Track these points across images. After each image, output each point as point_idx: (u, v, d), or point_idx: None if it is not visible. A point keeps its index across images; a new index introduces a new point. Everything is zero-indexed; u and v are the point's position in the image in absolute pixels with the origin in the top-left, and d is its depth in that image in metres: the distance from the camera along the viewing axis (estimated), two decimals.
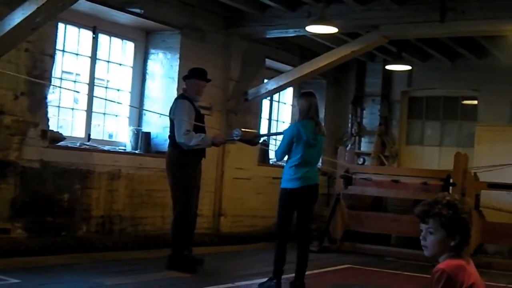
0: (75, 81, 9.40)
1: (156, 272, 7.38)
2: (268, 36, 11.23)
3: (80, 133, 9.35)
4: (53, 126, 8.59)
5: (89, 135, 9.37)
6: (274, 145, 11.88)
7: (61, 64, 9.01)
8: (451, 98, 13.59)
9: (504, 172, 10.67)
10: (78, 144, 8.96)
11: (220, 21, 10.74)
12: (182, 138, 7.50)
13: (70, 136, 9.02)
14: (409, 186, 10.69)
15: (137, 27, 10.01)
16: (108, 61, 9.84)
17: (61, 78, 9.05)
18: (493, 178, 10.40)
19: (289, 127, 7.56)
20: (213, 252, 9.28)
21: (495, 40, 11.31)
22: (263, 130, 12.57)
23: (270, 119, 13.06)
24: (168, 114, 7.99)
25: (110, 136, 10.07)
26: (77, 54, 9.33)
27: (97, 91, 9.60)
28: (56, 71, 8.77)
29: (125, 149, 9.86)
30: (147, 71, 10.25)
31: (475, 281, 2.96)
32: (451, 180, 10.11)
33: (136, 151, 9.78)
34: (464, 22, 9.30)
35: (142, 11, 9.32)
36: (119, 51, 10.06)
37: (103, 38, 9.71)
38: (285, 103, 13.57)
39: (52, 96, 8.66)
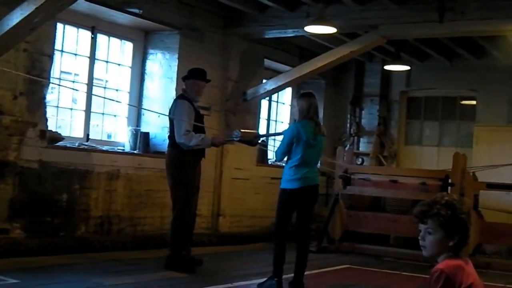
0: (73, 81, 9.40)
1: (155, 272, 7.38)
2: (267, 36, 11.24)
3: (79, 133, 9.35)
4: (51, 126, 8.58)
5: (88, 135, 9.37)
6: (273, 145, 11.89)
7: (60, 64, 9.01)
8: (450, 98, 13.60)
9: (502, 172, 10.69)
10: (76, 144, 8.96)
11: (219, 21, 10.75)
12: (181, 138, 7.50)
13: (69, 136, 9.01)
14: (408, 186, 10.69)
15: (136, 27, 10.01)
16: (107, 61, 9.84)
17: (59, 78, 9.04)
18: (492, 178, 10.41)
19: (289, 127, 7.56)
20: (211, 252, 9.28)
21: (493, 40, 11.32)
22: (262, 130, 12.58)
23: (268, 119, 13.07)
24: (167, 114, 7.99)
25: (109, 136, 10.06)
26: (75, 54, 9.33)
27: (96, 91, 9.60)
28: (55, 71, 8.76)
29: (123, 149, 9.86)
30: (146, 71, 10.25)
31: (473, 281, 2.96)
32: (449, 180, 10.11)
33: (135, 151, 9.78)
34: (462, 22, 9.30)
35: (141, 11, 9.32)
36: (117, 51, 10.06)
37: (101, 38, 9.71)
38: (283, 103, 13.59)
39: (50, 96, 8.66)
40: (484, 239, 10.14)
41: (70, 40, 9.20)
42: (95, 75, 9.57)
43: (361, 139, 13.97)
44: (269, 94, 11.61)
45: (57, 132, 8.71)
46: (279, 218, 7.14)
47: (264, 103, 12.77)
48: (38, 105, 8.08)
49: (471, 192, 9.98)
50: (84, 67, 9.40)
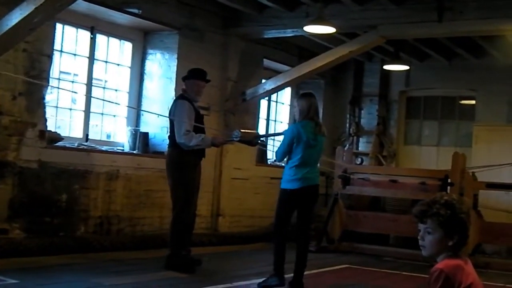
0: (73, 82, 9.40)
1: (155, 272, 7.38)
2: (266, 36, 11.24)
3: (78, 133, 9.35)
4: (51, 126, 8.58)
5: (87, 135, 9.37)
6: (272, 145, 11.90)
7: (59, 64, 9.01)
8: (449, 98, 13.60)
9: (502, 172, 10.69)
10: (76, 145, 8.96)
11: (218, 21, 10.75)
12: (182, 139, 7.51)
13: (68, 137, 9.01)
14: (407, 186, 10.69)
15: (135, 27, 10.01)
16: (106, 61, 9.84)
17: (59, 79, 9.04)
18: (491, 178, 10.41)
19: (289, 127, 7.57)
20: (211, 252, 9.27)
21: (492, 40, 11.32)
22: (261, 130, 12.58)
23: (268, 119, 13.07)
24: (166, 114, 7.99)
25: (108, 136, 10.06)
26: (75, 55, 9.33)
27: (95, 92, 9.60)
28: (54, 72, 8.76)
29: (123, 150, 9.85)
30: (145, 71, 10.25)
31: (473, 281, 2.96)
32: (449, 180, 10.11)
33: (134, 151, 9.78)
34: (461, 22, 9.31)
35: (140, 11, 9.32)
36: (117, 51, 10.06)
37: (101, 38, 9.71)
38: (283, 103, 13.59)
39: (50, 97, 8.66)
40: (484, 239, 10.14)
41: (69, 40, 9.19)
42: (94, 75, 9.56)
43: (361, 139, 13.98)
44: (268, 94, 11.61)
45: (56, 132, 8.71)
46: (278, 218, 7.16)
47: (263, 103, 12.77)
48: (37, 105, 8.08)
49: (470, 192, 9.98)
50: (83, 67, 9.39)
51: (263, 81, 11.63)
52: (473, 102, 13.19)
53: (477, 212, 10.12)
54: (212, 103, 10.45)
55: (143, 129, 10.05)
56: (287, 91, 13.43)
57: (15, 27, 6.81)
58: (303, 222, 7.18)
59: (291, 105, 13.43)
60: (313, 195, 7.20)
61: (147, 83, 10.22)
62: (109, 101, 9.64)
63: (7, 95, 7.72)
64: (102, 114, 9.84)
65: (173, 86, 9.94)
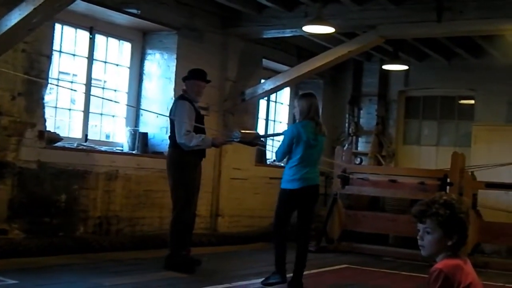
0: (72, 82, 9.40)
1: (154, 272, 7.38)
2: (265, 36, 11.24)
3: (77, 133, 9.35)
4: (50, 126, 8.57)
5: (86, 135, 9.37)
6: (272, 145, 11.89)
7: (58, 64, 9.01)
8: (448, 98, 13.60)
9: (501, 172, 10.69)
10: (75, 145, 8.95)
11: (217, 21, 10.75)
12: (182, 139, 7.51)
13: (67, 137, 9.01)
14: (406, 185, 10.69)
15: (134, 27, 10.01)
16: (105, 62, 9.84)
17: (58, 79, 9.04)
18: (490, 178, 10.41)
19: (289, 128, 7.58)
20: (210, 253, 9.27)
21: (492, 40, 11.32)
22: (260, 130, 12.58)
23: (267, 119, 13.07)
24: (166, 114, 7.99)
25: (107, 136, 10.06)
26: (74, 55, 9.32)
27: (94, 92, 9.59)
28: (53, 72, 8.76)
29: (122, 150, 9.86)
30: (144, 72, 10.25)
31: (472, 281, 2.96)
32: (448, 180, 10.12)
33: (134, 152, 9.78)
34: (461, 22, 9.31)
35: (139, 11, 9.32)
36: (116, 52, 10.06)
37: (100, 39, 9.70)
38: (282, 103, 13.59)
39: (49, 97, 8.66)
40: (483, 239, 10.15)
41: (68, 40, 9.19)
42: (93, 76, 9.56)
43: (360, 138, 13.98)
44: (267, 94, 11.61)
45: (55, 132, 8.70)
46: (278, 218, 7.17)
47: (263, 103, 12.77)
48: (36, 105, 8.08)
49: (469, 192, 9.99)
50: (82, 67, 9.39)
51: (262, 81, 11.63)
52: (472, 102, 13.19)
53: (476, 211, 10.12)
54: (211, 103, 10.45)
55: (142, 129, 10.05)
56: (286, 91, 13.43)
57: (14, 28, 6.81)
58: (303, 222, 7.18)
59: (290, 105, 13.43)
60: (313, 195, 7.20)
61: (146, 83, 10.21)
62: (109, 99, 9.64)
63: (6, 96, 7.71)
64: (101, 114, 9.84)
65: (172, 86, 9.94)
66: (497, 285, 8.15)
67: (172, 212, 7.72)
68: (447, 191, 9.63)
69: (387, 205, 12.55)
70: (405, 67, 12.28)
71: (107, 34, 9.78)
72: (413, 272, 8.74)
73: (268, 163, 12.56)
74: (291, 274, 7.03)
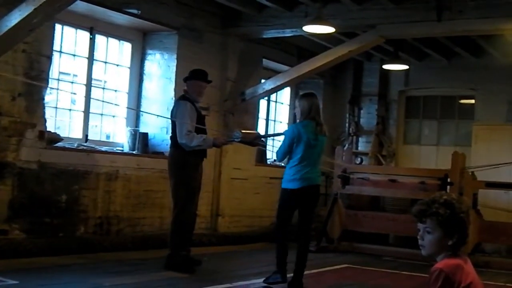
0: (72, 82, 9.40)
1: (155, 273, 7.38)
2: (265, 36, 11.24)
3: (78, 134, 9.35)
4: (50, 127, 8.57)
5: (87, 136, 9.37)
6: (272, 145, 11.89)
7: (58, 65, 9.01)
8: (448, 97, 13.60)
9: (501, 171, 10.68)
10: (75, 145, 8.96)
11: (217, 21, 10.74)
12: (183, 139, 7.52)
13: (68, 137, 9.01)
14: (407, 185, 10.70)
15: (134, 27, 10.01)
16: (105, 62, 9.84)
17: (58, 79, 9.04)
18: (491, 177, 10.41)
19: (290, 127, 7.58)
20: (210, 252, 9.27)
21: (491, 39, 11.32)
22: (261, 130, 12.57)
23: (267, 119, 13.07)
24: (166, 114, 7.99)
25: (108, 137, 10.06)
26: (74, 55, 9.32)
27: (95, 92, 9.60)
28: (53, 72, 8.75)
29: (122, 150, 9.86)
30: (144, 72, 10.25)
31: (472, 280, 2.96)
32: (448, 179, 10.12)
33: (134, 152, 9.78)
34: (460, 21, 9.31)
35: (139, 11, 9.32)
36: (116, 52, 10.06)
37: (100, 39, 9.70)
38: (282, 103, 13.59)
39: (49, 97, 8.66)
40: (483, 238, 10.15)
41: (68, 41, 9.19)
42: (93, 76, 9.57)
43: (360, 138, 13.98)
44: (267, 94, 11.61)
45: (56, 133, 8.70)
46: (279, 217, 7.20)
47: (263, 103, 12.77)
48: (36, 106, 8.08)
49: (470, 191, 9.99)
50: (82, 67, 9.39)
51: (262, 81, 11.63)
52: (473, 101, 13.19)
53: (477, 211, 10.12)
54: (211, 103, 10.45)
55: (142, 129, 10.05)
56: (287, 91, 13.43)
57: (15, 28, 6.82)
58: (303, 222, 7.19)
59: (291, 105, 13.43)
60: (314, 195, 7.20)
61: (146, 84, 10.22)
62: (109, 102, 9.64)
63: (7, 96, 7.71)
64: (101, 114, 9.84)
65: (173, 86, 9.95)
66: (498, 285, 8.15)
67: (172, 212, 7.72)
68: (448, 190, 9.64)
69: (387, 205, 12.55)
70: (405, 67, 12.28)
71: (107, 34, 9.78)
72: (413, 272, 8.74)
73: (268, 163, 12.56)
74: (292, 274, 7.03)
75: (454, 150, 10.67)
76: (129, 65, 10.16)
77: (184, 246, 7.69)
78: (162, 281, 7.02)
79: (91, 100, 9.41)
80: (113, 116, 10.06)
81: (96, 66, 9.61)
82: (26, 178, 7.94)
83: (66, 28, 9.04)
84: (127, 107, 9.99)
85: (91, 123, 9.56)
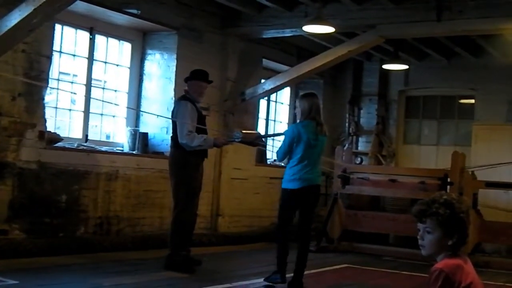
0: (72, 82, 9.40)
1: (154, 273, 7.38)
2: (264, 36, 11.24)
3: (78, 134, 9.35)
4: (50, 127, 8.58)
5: (87, 136, 9.36)
6: (272, 145, 11.90)
7: (58, 65, 9.01)
8: (448, 97, 13.60)
9: (501, 171, 10.69)
10: (75, 145, 8.95)
11: (217, 21, 10.74)
12: (184, 139, 7.52)
13: (68, 137, 9.01)
14: (407, 185, 10.69)
15: (134, 27, 10.01)
16: (105, 62, 9.84)
17: (58, 79, 9.04)
18: (491, 177, 10.41)
19: (290, 127, 7.59)
20: (210, 252, 9.28)
21: (491, 39, 11.32)
22: (261, 130, 12.57)
23: (267, 119, 13.07)
24: (165, 114, 7.99)
25: (108, 137, 10.06)
26: (74, 55, 9.33)
27: (94, 92, 9.60)
28: (53, 72, 8.75)
29: (122, 150, 9.86)
30: (144, 72, 10.25)
31: (472, 280, 2.96)
32: (448, 179, 10.12)
33: (134, 152, 9.78)
34: (460, 21, 9.31)
35: (139, 11, 9.32)
36: (116, 52, 10.05)
37: (100, 39, 9.70)
38: (282, 103, 13.59)
39: (49, 97, 8.66)
40: (483, 238, 10.15)
41: (68, 41, 9.19)
42: (93, 76, 9.57)
43: (360, 138, 13.98)
44: (267, 94, 11.61)
45: (56, 133, 8.71)
46: (280, 218, 7.24)
47: (263, 103, 12.77)
48: (36, 106, 8.08)
49: (470, 191, 9.99)
50: (82, 68, 9.39)
51: (262, 81, 11.63)
52: (472, 101, 13.19)
53: (477, 211, 10.12)
54: (211, 103, 10.44)
55: (142, 129, 10.05)
56: (286, 91, 13.43)
57: (14, 28, 6.82)
58: (303, 222, 7.19)
59: (291, 105, 13.44)
60: (314, 195, 7.21)
61: (146, 84, 10.21)
62: (109, 102, 9.64)
63: (7, 96, 7.71)
64: (101, 114, 9.84)
65: (172, 86, 9.95)
66: (498, 285, 8.15)
67: (172, 212, 7.72)
68: (447, 190, 9.64)
69: (387, 205, 12.55)
70: (405, 67, 12.28)
71: (107, 34, 9.78)
72: (413, 272, 8.74)
73: (268, 163, 12.56)
74: (292, 274, 7.03)
75: (454, 150, 10.67)
76: (129, 65, 10.16)
77: (184, 246, 7.69)
78: (162, 281, 7.02)
79: (91, 100, 9.41)
80: (113, 116, 10.06)
81: (96, 66, 9.61)
82: (26, 178, 7.94)
83: (66, 28, 9.04)
84: (127, 107, 9.98)
85: (91, 123, 9.56)
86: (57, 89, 8.87)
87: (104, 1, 8.82)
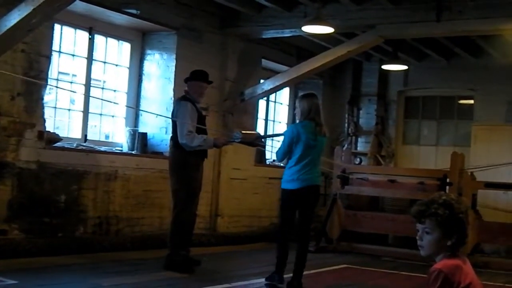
0: (71, 82, 9.40)
1: (154, 273, 7.38)
2: (264, 36, 11.24)
3: (77, 134, 9.34)
4: (49, 127, 8.57)
5: (86, 136, 9.36)
6: (271, 145, 11.90)
7: (58, 65, 9.01)
8: (447, 98, 13.60)
9: (500, 171, 10.69)
10: (74, 145, 8.95)
11: (216, 21, 10.74)
12: (184, 139, 7.53)
13: (67, 137, 9.00)
14: (406, 185, 10.70)
15: (133, 27, 10.01)
16: (105, 62, 9.84)
17: (57, 79, 9.04)
18: (490, 177, 10.41)
19: (289, 128, 7.59)
20: (210, 253, 9.28)
21: (491, 39, 11.33)
22: (260, 130, 12.57)
23: (266, 119, 13.07)
24: (165, 114, 7.99)
25: (107, 137, 10.06)
26: (73, 55, 9.32)
27: (94, 92, 9.59)
28: (53, 72, 8.75)
29: (121, 150, 9.85)
30: (144, 72, 10.24)
31: (472, 281, 2.96)
32: (447, 180, 10.12)
33: (133, 152, 9.77)
34: (460, 22, 9.31)
35: (138, 11, 9.32)
36: (115, 52, 10.05)
37: (99, 39, 9.70)
38: (281, 104, 13.59)
39: (48, 97, 8.65)
40: (483, 239, 10.15)
41: (67, 41, 9.19)
42: (92, 76, 9.56)
43: (359, 138, 13.98)
44: (266, 94, 11.61)
45: (55, 133, 8.70)
46: (281, 218, 7.29)
47: (262, 103, 12.77)
48: (36, 106, 8.08)
49: (469, 192, 9.99)
50: (81, 67, 9.39)
51: (262, 81, 11.62)
52: (472, 101, 13.19)
53: (476, 211, 10.12)
54: (210, 103, 10.45)
55: (141, 129, 10.05)
56: (286, 91, 13.43)
57: (14, 28, 6.82)
58: (303, 222, 7.19)
59: (290, 105, 13.44)
60: (313, 195, 7.20)
61: (145, 84, 10.21)
62: (108, 101, 9.63)
63: (6, 96, 7.71)
64: (100, 114, 9.84)
65: (172, 86, 9.94)
66: (497, 285, 8.15)
67: (172, 211, 7.72)
68: (447, 191, 9.64)
69: (386, 205, 12.56)
70: (405, 67, 12.28)
71: (107, 34, 9.77)
72: (412, 272, 8.74)
73: (268, 163, 12.56)
74: (291, 274, 7.03)
75: (453, 151, 10.67)
76: (128, 65, 10.16)
77: (183, 246, 7.70)
78: (162, 281, 7.02)
79: (90, 100, 9.41)
80: (112, 116, 10.06)
81: (95, 66, 9.61)
82: (26, 178, 7.94)
83: (65, 28, 9.04)
84: (126, 106, 9.98)
85: (90, 123, 9.55)
86: (56, 87, 8.85)
87: (104, 1, 8.82)
